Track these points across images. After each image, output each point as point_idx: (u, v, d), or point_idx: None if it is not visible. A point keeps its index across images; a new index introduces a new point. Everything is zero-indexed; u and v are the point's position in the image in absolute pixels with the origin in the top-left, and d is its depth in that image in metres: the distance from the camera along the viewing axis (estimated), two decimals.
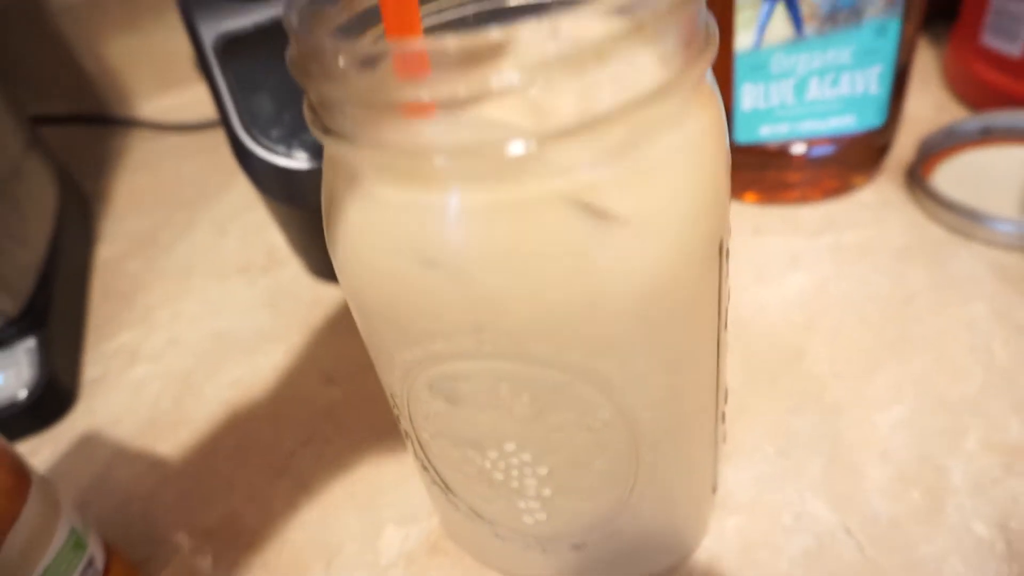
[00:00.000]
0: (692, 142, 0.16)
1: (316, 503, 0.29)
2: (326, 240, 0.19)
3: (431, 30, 0.19)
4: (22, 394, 0.34)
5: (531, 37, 0.14)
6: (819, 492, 0.26)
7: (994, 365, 0.29)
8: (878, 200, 0.38)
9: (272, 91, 0.34)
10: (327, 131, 0.16)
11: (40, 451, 0.34)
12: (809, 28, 0.33)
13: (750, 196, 0.39)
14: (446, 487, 0.22)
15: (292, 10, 0.16)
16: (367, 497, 0.29)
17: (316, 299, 0.40)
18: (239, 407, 0.34)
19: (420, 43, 0.14)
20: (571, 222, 0.15)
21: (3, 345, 0.36)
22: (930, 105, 0.43)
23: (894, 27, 0.32)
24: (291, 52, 0.16)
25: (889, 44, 0.32)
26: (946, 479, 0.25)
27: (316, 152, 0.33)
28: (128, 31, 0.62)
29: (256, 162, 0.34)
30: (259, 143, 0.33)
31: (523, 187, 0.15)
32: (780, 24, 0.33)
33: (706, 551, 0.25)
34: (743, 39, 0.33)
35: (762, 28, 0.33)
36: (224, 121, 0.34)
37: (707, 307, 0.18)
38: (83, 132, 0.62)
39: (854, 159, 0.37)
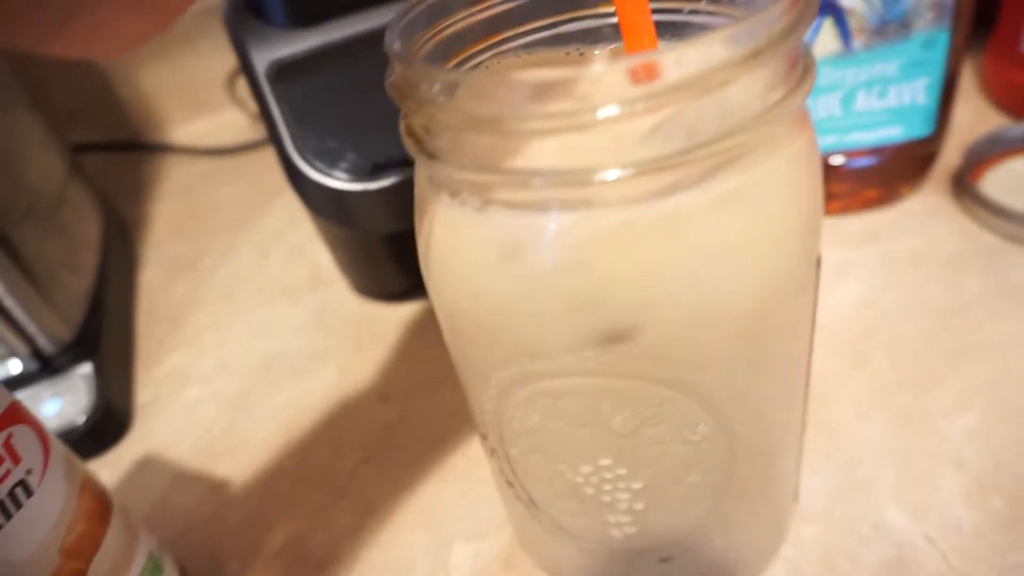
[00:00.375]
0: (791, 164, 0.16)
1: (381, 522, 0.29)
2: (420, 262, 0.19)
3: (552, 41, 0.19)
4: (80, 419, 0.35)
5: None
6: (895, 501, 0.26)
7: None
8: (924, 209, 0.38)
9: (323, 114, 0.34)
10: (431, 156, 0.16)
11: (99, 476, 0.34)
12: (857, 42, 0.33)
13: None
14: (531, 502, 0.22)
15: (395, 37, 0.17)
16: (433, 514, 0.29)
17: (364, 318, 0.40)
18: (295, 428, 0.34)
19: (547, 73, 0.14)
20: (676, 245, 0.15)
21: (60, 371, 0.36)
22: (969, 113, 0.43)
23: (943, 39, 0.32)
24: (393, 78, 0.17)
25: (937, 56, 0.33)
26: None
27: (366, 173, 0.34)
28: (160, 60, 0.63)
29: (309, 184, 0.34)
30: (312, 165, 0.34)
31: (628, 212, 0.15)
32: (828, 38, 0.33)
33: (785, 560, 0.25)
34: None
35: (810, 42, 0.33)
36: (276, 145, 0.34)
37: (804, 320, 0.18)
38: (119, 159, 0.63)
39: (899, 169, 0.37)
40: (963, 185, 0.37)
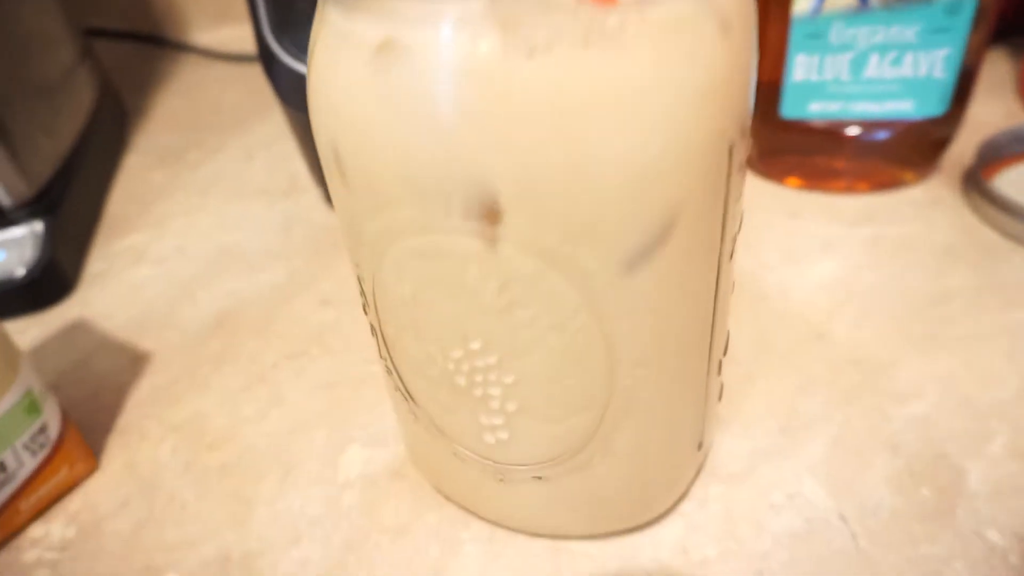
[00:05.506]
0: (707, 12, 0.14)
1: (287, 415, 0.28)
2: (307, 91, 0.17)
3: None
4: (19, 272, 0.34)
5: None
6: (817, 474, 0.23)
7: None
8: (928, 198, 0.35)
9: None
10: None
11: (28, 331, 0.34)
12: None
13: (793, 181, 0.37)
14: (408, 393, 0.21)
15: None
16: (340, 417, 0.28)
17: (329, 226, 0.39)
18: (231, 317, 0.33)
19: None
20: (563, 80, 0.13)
21: (12, 224, 0.36)
22: (999, 113, 0.40)
23: (969, 6, 0.30)
24: None
25: (961, 24, 0.30)
26: (962, 480, 0.23)
27: None
28: None
29: (281, 69, 0.33)
30: (286, 50, 0.32)
31: (476, 28, 0.13)
32: None
33: (683, 516, 0.23)
34: (802, 3, 0.31)
35: None
36: (255, 25, 0.33)
37: (707, 217, 0.16)
38: (136, 49, 0.63)
39: (907, 151, 0.35)
40: (974, 179, 0.34)
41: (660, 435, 0.20)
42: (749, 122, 0.17)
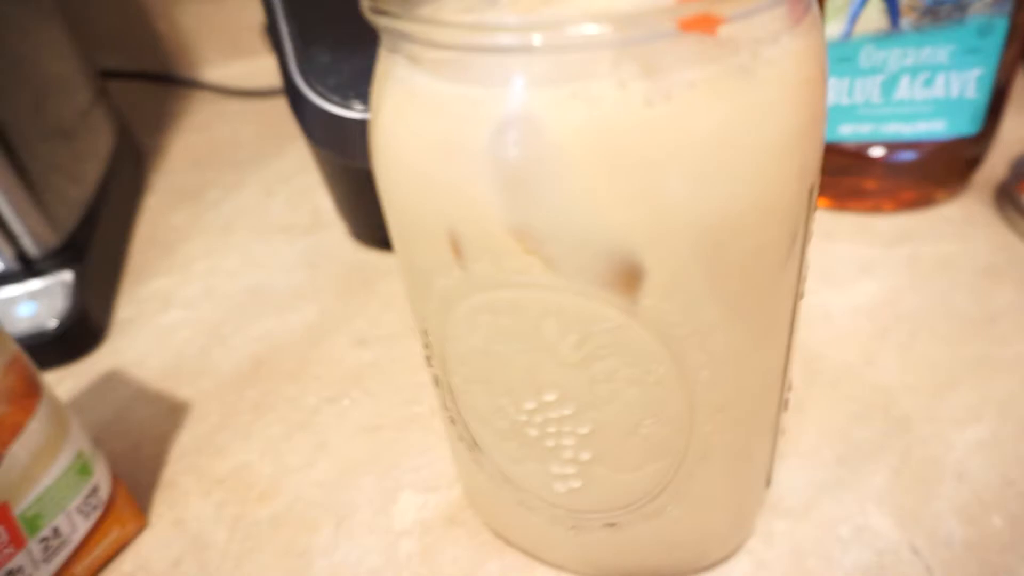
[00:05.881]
0: (794, 58, 0.14)
1: (334, 462, 0.28)
2: (369, 143, 0.17)
3: None
4: (52, 324, 0.34)
5: None
6: (883, 506, 0.23)
7: None
8: (962, 216, 0.35)
9: (334, 37, 0.33)
10: (381, 12, 0.14)
11: (62, 383, 0.34)
12: (906, 21, 0.30)
13: (822, 201, 0.37)
14: (473, 443, 0.20)
15: None
16: (388, 461, 0.27)
17: (357, 263, 0.39)
18: (265, 361, 0.33)
19: None
20: (648, 128, 0.13)
21: (41, 275, 0.35)
22: None
23: (1001, 26, 0.30)
24: None
25: (993, 45, 0.30)
26: None
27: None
28: None
29: (309, 109, 0.33)
30: (314, 89, 0.32)
31: (596, 84, 0.13)
32: (874, 14, 0.31)
33: (750, 554, 0.22)
34: (833, 27, 0.31)
35: (854, 17, 0.31)
36: (282, 65, 0.33)
37: (789, 259, 0.16)
38: (147, 89, 0.63)
39: (938, 170, 0.35)
40: (1008, 195, 0.34)
41: (735, 476, 0.19)
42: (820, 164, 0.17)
